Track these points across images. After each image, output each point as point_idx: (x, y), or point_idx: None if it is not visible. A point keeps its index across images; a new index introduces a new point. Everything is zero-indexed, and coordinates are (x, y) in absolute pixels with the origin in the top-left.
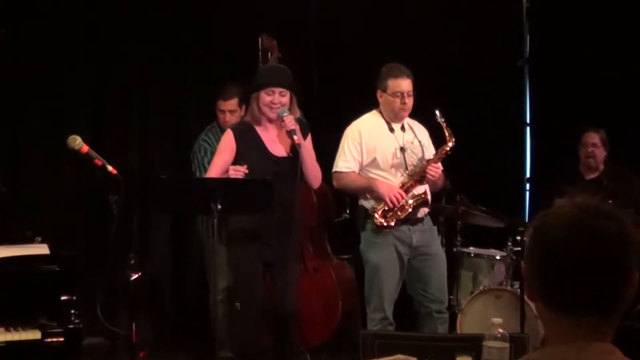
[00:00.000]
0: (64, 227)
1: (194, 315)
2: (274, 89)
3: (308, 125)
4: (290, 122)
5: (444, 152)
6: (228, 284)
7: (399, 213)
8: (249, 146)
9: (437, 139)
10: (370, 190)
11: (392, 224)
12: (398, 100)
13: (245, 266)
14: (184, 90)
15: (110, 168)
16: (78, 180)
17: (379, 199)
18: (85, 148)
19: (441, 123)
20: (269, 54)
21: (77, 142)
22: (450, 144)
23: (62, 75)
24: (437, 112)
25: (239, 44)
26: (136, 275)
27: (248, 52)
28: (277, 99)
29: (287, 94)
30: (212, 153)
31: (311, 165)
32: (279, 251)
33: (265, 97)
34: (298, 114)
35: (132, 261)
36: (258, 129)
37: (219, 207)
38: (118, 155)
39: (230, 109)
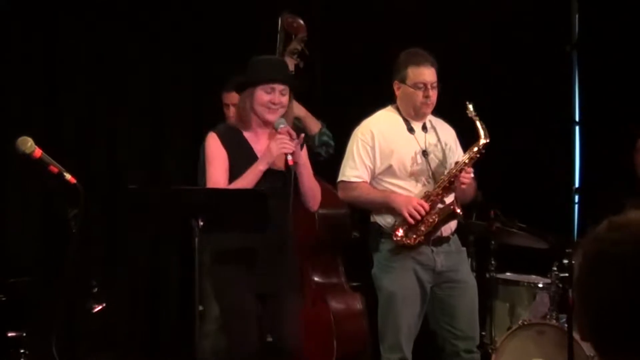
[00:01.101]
0: (11, 248)
1: (172, 353)
2: (274, 85)
3: (305, 131)
4: (286, 144)
5: (476, 151)
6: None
7: (421, 228)
8: (237, 155)
9: (466, 141)
10: (386, 206)
11: (415, 242)
12: (420, 93)
13: (232, 299)
14: (159, 82)
15: (68, 176)
16: (29, 191)
17: (396, 214)
18: (38, 152)
19: (473, 118)
20: (293, 36)
21: (28, 144)
22: (483, 141)
23: (8, 63)
24: (470, 106)
25: (236, 25)
26: (100, 307)
27: (246, 37)
28: (277, 98)
29: (288, 92)
30: None
31: (308, 182)
32: (273, 281)
33: (262, 95)
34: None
35: (95, 289)
36: (246, 134)
37: (201, 223)
38: (78, 161)
39: (234, 102)
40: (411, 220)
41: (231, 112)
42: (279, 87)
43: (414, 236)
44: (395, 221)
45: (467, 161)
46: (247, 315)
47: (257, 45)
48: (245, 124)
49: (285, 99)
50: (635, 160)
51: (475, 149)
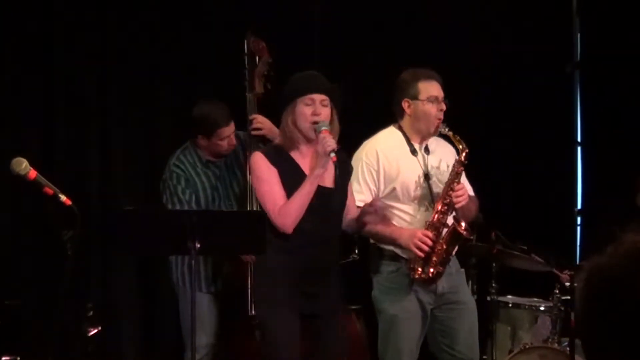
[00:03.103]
0: (6, 270)
1: None
2: (313, 96)
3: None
4: (329, 141)
5: (459, 165)
6: (207, 340)
7: (434, 259)
8: (289, 176)
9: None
10: (391, 241)
11: (434, 274)
12: (434, 107)
13: (279, 322)
14: (153, 104)
15: (63, 198)
16: (24, 212)
17: (402, 248)
18: (32, 173)
19: (447, 134)
20: (257, 58)
21: (22, 165)
22: (464, 153)
23: (3, 84)
24: (442, 124)
25: (225, 45)
26: (95, 330)
27: (231, 57)
28: (318, 109)
29: (329, 104)
30: (187, 180)
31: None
32: (322, 302)
33: (303, 108)
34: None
35: (91, 312)
36: (293, 154)
37: (197, 246)
38: (73, 183)
39: (226, 135)
40: (420, 254)
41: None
42: (318, 97)
43: (431, 269)
44: (409, 257)
45: (453, 178)
46: (292, 338)
47: (225, 68)
48: (290, 142)
49: (326, 111)
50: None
51: (459, 163)
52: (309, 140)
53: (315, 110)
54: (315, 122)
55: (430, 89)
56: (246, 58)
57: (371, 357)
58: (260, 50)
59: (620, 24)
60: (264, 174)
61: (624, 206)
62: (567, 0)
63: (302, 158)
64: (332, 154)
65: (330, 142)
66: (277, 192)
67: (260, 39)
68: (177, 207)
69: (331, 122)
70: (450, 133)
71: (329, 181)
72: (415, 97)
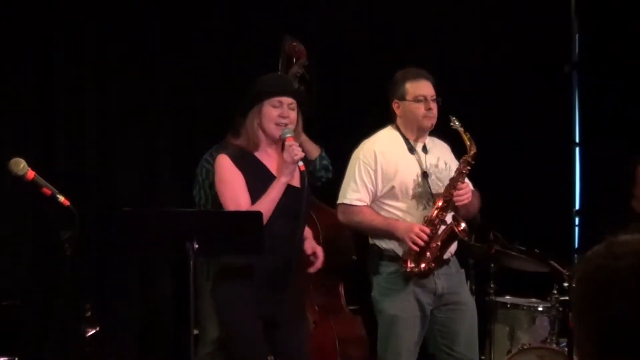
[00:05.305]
0: (4, 271)
1: None
2: (281, 99)
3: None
4: (296, 149)
5: (466, 164)
6: (218, 334)
7: (428, 255)
8: (252, 175)
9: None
10: (388, 234)
11: (426, 269)
12: (422, 106)
13: (237, 321)
14: (154, 101)
15: (61, 198)
16: (22, 213)
17: (398, 241)
18: (31, 174)
19: (459, 130)
20: (294, 60)
21: (20, 166)
22: (472, 152)
23: (1, 84)
24: (454, 118)
25: (227, 46)
26: (93, 331)
27: (245, 60)
28: (286, 112)
29: (296, 107)
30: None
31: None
32: (279, 305)
33: (270, 110)
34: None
35: (89, 313)
36: (257, 154)
37: (196, 246)
38: (72, 183)
39: None
40: (415, 248)
41: None
42: (286, 100)
43: (424, 264)
44: (403, 250)
45: (458, 177)
46: (254, 338)
47: (256, 69)
48: (255, 143)
49: (293, 114)
50: (635, 192)
51: (465, 162)
52: (273, 142)
53: (282, 112)
54: (281, 124)
55: (418, 88)
56: (280, 60)
57: (371, 358)
58: (298, 53)
59: (619, 24)
60: (229, 177)
61: (621, 208)
62: (565, 1)
63: (269, 159)
64: (300, 163)
65: (297, 151)
66: (241, 198)
67: (298, 40)
68: (203, 200)
69: (296, 126)
70: (462, 130)
71: (295, 181)
72: (403, 98)
